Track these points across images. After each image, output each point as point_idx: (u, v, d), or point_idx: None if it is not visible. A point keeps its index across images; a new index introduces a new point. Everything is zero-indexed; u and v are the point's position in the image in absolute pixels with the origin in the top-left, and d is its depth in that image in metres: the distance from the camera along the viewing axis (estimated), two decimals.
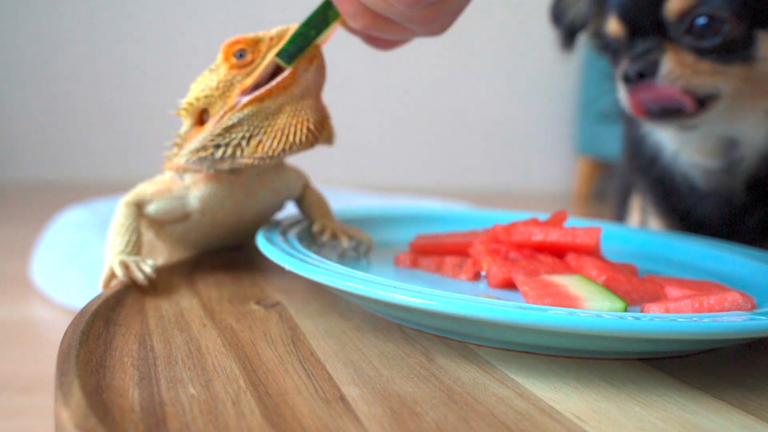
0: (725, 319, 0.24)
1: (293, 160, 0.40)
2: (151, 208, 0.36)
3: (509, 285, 0.33)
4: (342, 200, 1.21)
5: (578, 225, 0.37)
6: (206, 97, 0.34)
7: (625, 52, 0.46)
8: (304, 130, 0.33)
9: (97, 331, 0.26)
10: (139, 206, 0.36)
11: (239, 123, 0.33)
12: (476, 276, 0.36)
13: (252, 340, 0.27)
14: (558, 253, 0.36)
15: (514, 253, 0.36)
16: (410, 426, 0.20)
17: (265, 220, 0.40)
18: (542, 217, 0.38)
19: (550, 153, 2.62)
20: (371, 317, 0.31)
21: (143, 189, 0.36)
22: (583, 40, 0.61)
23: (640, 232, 0.46)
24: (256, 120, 0.33)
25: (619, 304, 0.27)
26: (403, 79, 2.39)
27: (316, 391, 0.22)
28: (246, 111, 0.33)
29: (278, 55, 0.33)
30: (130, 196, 0.36)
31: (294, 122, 0.33)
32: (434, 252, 0.38)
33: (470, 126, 2.50)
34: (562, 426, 0.20)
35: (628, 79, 0.44)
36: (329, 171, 2.33)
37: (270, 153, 0.33)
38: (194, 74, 0.37)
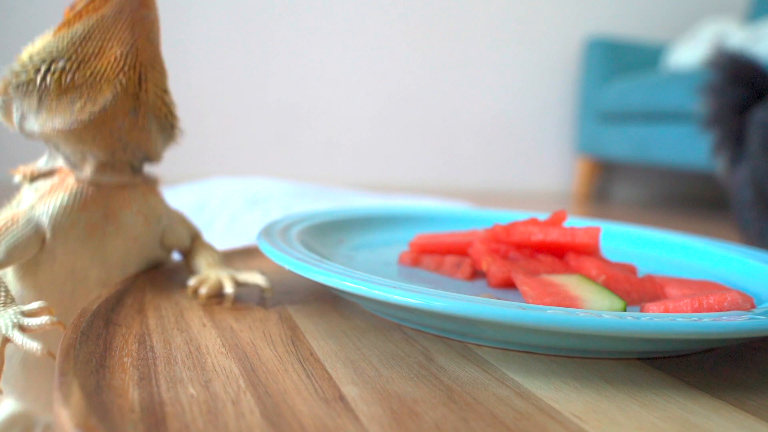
0: (725, 318, 0.24)
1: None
2: (1, 252, 0.30)
3: (509, 285, 0.33)
4: (342, 200, 1.22)
5: (578, 225, 0.37)
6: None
7: None
8: (109, 61, 0.29)
9: (97, 331, 0.26)
10: None
11: (47, 49, 0.30)
12: (476, 275, 0.36)
13: (252, 339, 0.27)
14: (557, 252, 0.36)
15: (513, 253, 0.36)
16: (410, 426, 0.20)
17: (140, 265, 0.35)
18: (542, 216, 0.38)
19: (550, 153, 2.62)
20: (371, 317, 0.31)
21: None
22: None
23: (639, 232, 0.46)
24: (63, 45, 0.30)
25: (618, 304, 0.27)
26: (404, 79, 2.39)
27: (315, 390, 0.22)
28: (57, 37, 0.30)
29: None
30: None
31: (99, 49, 0.29)
32: (434, 251, 0.38)
33: (470, 126, 2.50)
34: (561, 426, 0.20)
35: None
36: (329, 171, 2.33)
37: (73, 81, 0.29)
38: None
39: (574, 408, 0.22)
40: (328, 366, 0.24)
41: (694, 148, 1.89)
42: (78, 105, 0.30)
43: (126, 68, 0.30)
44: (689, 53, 2.15)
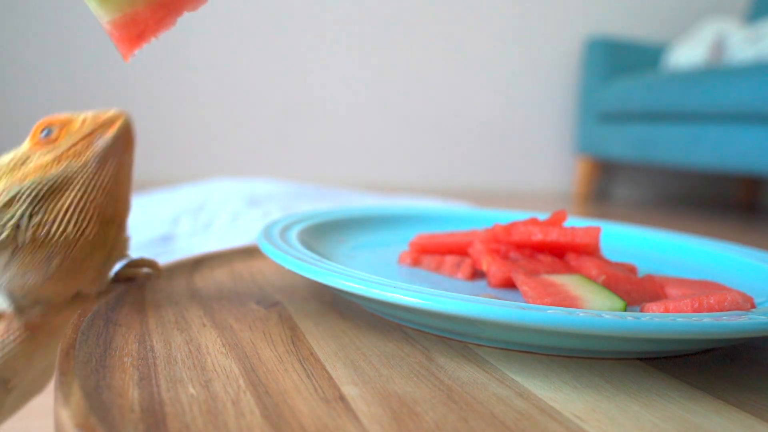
0: (725, 318, 0.24)
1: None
2: None
3: (509, 285, 0.33)
4: (342, 200, 1.22)
5: (578, 225, 0.37)
6: None
7: None
8: (92, 215, 0.26)
9: (97, 330, 0.26)
10: None
11: (18, 196, 0.26)
12: (476, 275, 0.36)
13: (252, 339, 0.27)
14: (558, 252, 0.36)
15: (513, 253, 0.36)
16: (410, 425, 0.20)
17: None
18: (542, 216, 0.38)
19: (550, 153, 2.62)
20: (371, 317, 0.31)
21: None
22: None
23: (640, 231, 0.46)
24: (38, 193, 0.26)
25: (618, 304, 0.27)
26: (404, 79, 2.39)
27: (315, 390, 0.22)
28: (27, 182, 0.26)
29: None
30: None
31: (82, 202, 0.26)
32: (434, 251, 0.38)
33: (470, 126, 2.50)
34: (561, 425, 0.20)
35: None
36: (330, 171, 2.33)
37: (52, 239, 0.26)
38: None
39: (574, 408, 0.22)
40: (328, 366, 0.24)
41: (694, 148, 1.89)
42: (55, 262, 0.27)
43: (107, 221, 0.27)
44: (689, 53, 2.15)
